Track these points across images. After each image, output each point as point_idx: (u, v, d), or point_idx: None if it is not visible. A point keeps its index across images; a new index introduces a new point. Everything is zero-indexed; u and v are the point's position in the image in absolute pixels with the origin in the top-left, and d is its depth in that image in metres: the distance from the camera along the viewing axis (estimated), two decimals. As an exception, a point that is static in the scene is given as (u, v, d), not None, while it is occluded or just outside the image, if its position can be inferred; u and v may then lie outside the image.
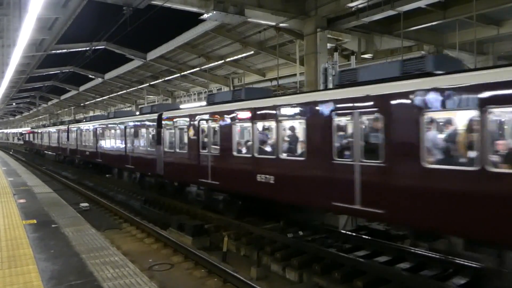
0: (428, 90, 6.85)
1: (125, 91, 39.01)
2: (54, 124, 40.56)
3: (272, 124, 10.43)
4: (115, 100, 47.51)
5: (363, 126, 8.11)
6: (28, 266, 5.94)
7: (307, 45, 14.83)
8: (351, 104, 8.19)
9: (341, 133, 8.70)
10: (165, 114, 15.53)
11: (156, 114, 16.26)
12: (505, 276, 6.72)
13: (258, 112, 10.64)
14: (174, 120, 14.77)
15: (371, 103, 7.84)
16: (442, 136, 7.21)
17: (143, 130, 17.71)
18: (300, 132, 9.81)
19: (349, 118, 8.39)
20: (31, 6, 8.90)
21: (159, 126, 15.75)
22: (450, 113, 7.06)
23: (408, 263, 8.52)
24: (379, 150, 7.59)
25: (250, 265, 8.89)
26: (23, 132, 73.29)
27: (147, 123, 17.21)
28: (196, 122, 13.14)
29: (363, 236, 10.13)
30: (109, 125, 22.23)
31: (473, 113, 6.33)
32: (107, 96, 43.99)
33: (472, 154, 6.44)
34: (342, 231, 10.68)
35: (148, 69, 30.14)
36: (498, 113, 6.26)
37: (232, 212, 12.23)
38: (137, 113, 23.06)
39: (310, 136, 9.12)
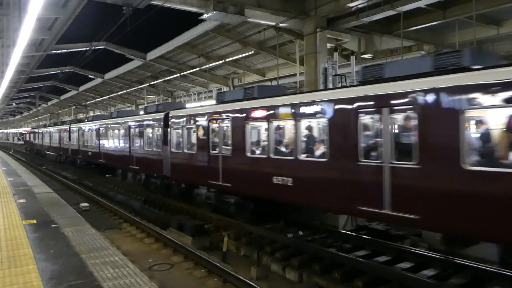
0: (469, 86, 6.32)
1: (125, 91, 39.02)
2: (55, 124, 40.16)
3: (290, 123, 9.79)
4: (115, 100, 47.53)
5: (394, 125, 7.58)
6: (28, 266, 5.93)
7: (307, 45, 14.84)
8: (379, 102, 7.61)
9: (368, 132, 8.15)
10: (172, 113, 14.97)
11: (163, 114, 15.75)
12: None
13: (275, 111, 10.04)
14: (182, 119, 14.18)
15: (404, 100, 7.24)
16: (485, 135, 6.73)
17: (149, 130, 17.18)
18: (322, 132, 9.37)
19: (377, 117, 7.78)
20: (31, 6, 8.89)
21: (166, 125, 15.22)
22: (495, 110, 6.51)
23: (408, 263, 8.51)
24: (412, 150, 7.04)
25: (250, 265, 8.89)
26: (24, 132, 73.17)
27: (153, 122, 16.67)
28: (205, 122, 12.59)
29: (363, 236, 10.13)
30: (113, 125, 21.71)
31: None
32: (107, 96, 44.01)
33: None
34: (342, 231, 10.67)
35: (148, 69, 30.16)
36: None
37: (244, 215, 11.71)
38: (141, 112, 22.61)
39: (333, 135, 8.51)
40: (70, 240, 7.38)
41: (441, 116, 6.73)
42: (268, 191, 10.19)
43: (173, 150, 14.72)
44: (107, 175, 24.76)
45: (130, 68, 30.13)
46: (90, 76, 36.76)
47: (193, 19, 16.94)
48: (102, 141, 23.27)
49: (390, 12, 12.80)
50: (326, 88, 11.58)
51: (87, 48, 22.31)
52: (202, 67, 25.22)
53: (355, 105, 8.01)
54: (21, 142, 77.45)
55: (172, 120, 14.84)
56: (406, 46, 17.01)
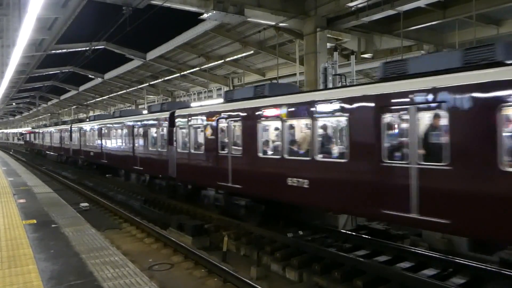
0: (507, 82, 5.93)
1: (124, 91, 39.02)
2: (56, 124, 39.85)
3: (306, 122, 9.37)
4: (114, 100, 47.54)
5: (422, 124, 7.13)
6: (28, 266, 5.93)
7: (307, 45, 14.84)
8: (404, 99, 7.17)
9: (392, 131, 7.76)
10: (178, 112, 14.46)
11: (168, 113, 15.29)
12: None
13: (289, 109, 9.58)
14: (189, 118, 13.65)
15: (432, 97, 6.78)
16: None
17: (153, 130, 16.74)
18: (341, 131, 8.98)
19: (402, 115, 7.38)
20: (30, 6, 8.88)
21: (171, 125, 14.76)
22: None
23: (408, 262, 8.51)
24: (442, 151, 6.63)
25: (250, 265, 8.89)
26: (24, 132, 73.09)
27: (158, 122, 16.19)
28: (214, 121, 12.08)
29: (363, 236, 10.13)
30: (115, 125, 21.19)
31: None
32: (107, 96, 44.00)
33: None
34: (342, 230, 10.67)
35: (147, 69, 30.16)
36: None
37: (255, 218, 11.24)
38: (144, 111, 22.10)
39: (354, 135, 8.05)
40: (70, 240, 7.38)
41: (474, 114, 6.32)
42: (282, 193, 9.72)
43: (179, 150, 14.25)
44: (107, 175, 24.72)
45: (130, 68, 30.12)
46: (90, 76, 36.75)
47: (193, 19, 16.96)
48: (105, 141, 22.78)
49: (390, 12, 12.81)
50: (346, 85, 10.90)
51: (87, 48, 22.30)
52: (202, 67, 25.22)
53: (378, 102, 7.57)
54: (21, 142, 77.42)
55: (178, 119, 14.33)
56: (406, 46, 17.01)
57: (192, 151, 13.45)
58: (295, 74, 18.77)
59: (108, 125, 22.50)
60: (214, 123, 12.10)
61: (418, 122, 7.07)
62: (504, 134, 6.03)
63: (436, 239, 9.85)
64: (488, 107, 6.14)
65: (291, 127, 9.99)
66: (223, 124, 11.80)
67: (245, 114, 10.93)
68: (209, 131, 12.38)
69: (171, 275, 8.59)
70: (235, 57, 22.54)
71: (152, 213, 14.42)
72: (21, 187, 14.55)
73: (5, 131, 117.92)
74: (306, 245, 9.55)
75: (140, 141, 17.84)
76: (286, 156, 9.64)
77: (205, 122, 12.62)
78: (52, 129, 38.13)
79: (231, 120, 11.43)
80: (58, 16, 16.22)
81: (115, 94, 41.80)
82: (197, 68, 25.57)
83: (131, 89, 37.07)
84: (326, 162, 8.83)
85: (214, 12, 13.06)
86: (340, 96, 8.40)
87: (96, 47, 22.01)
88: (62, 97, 54.12)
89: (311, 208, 10.48)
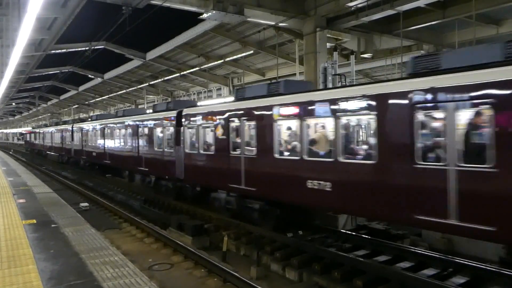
0: None
1: (124, 91, 39.00)
2: (57, 124, 39.44)
3: (328, 121, 8.76)
4: (114, 100, 47.52)
5: (461, 122, 6.58)
6: (28, 266, 5.93)
7: (307, 45, 14.83)
8: (441, 96, 6.67)
9: (427, 131, 7.19)
10: (186, 111, 13.86)
11: (175, 112, 14.71)
12: None
13: (309, 107, 9.00)
14: (197, 117, 13.08)
15: (474, 93, 6.28)
16: None
17: (159, 129, 16.14)
18: (368, 130, 8.49)
19: (439, 113, 6.86)
20: (30, 6, 8.88)
21: (179, 124, 14.20)
22: None
23: (407, 262, 8.52)
24: (486, 152, 6.16)
25: (250, 265, 8.89)
26: (24, 132, 73.01)
27: (164, 121, 15.59)
28: (225, 120, 11.53)
29: (363, 236, 10.13)
30: (119, 124, 20.59)
31: None
32: (107, 96, 43.99)
33: None
34: (342, 230, 10.67)
35: (147, 69, 30.15)
36: None
37: (269, 222, 10.73)
38: (148, 111, 21.54)
39: (383, 134, 7.49)
40: (70, 240, 7.38)
41: None
42: (301, 197, 9.15)
43: (187, 150, 13.70)
44: (107, 175, 24.71)
45: (130, 68, 30.09)
46: (89, 76, 36.69)
47: (193, 19, 16.94)
48: (108, 141, 22.27)
49: (390, 12, 12.80)
50: (374, 82, 10.34)
51: (87, 48, 22.29)
52: (202, 67, 25.21)
53: (410, 99, 7.02)
54: (21, 142, 77.33)
55: (186, 118, 13.76)
56: (406, 46, 17.01)
57: (202, 151, 12.91)
58: (295, 74, 18.77)
59: (111, 124, 21.94)
60: (225, 122, 11.57)
61: (457, 121, 6.53)
62: None
63: (436, 239, 9.88)
64: None
65: (312, 126, 9.43)
66: (235, 123, 11.27)
67: (259, 112, 10.35)
68: (220, 131, 11.81)
69: (171, 275, 8.59)
70: (235, 57, 22.53)
71: (152, 213, 14.41)
72: (21, 187, 14.55)
73: (5, 131, 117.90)
74: (306, 245, 9.54)
75: (145, 141, 17.30)
76: (305, 157, 9.06)
77: (215, 122, 12.04)
78: (53, 129, 37.61)
79: (244, 119, 10.87)
80: (58, 16, 16.19)
81: (114, 94, 41.78)
82: (197, 68, 25.56)
83: (130, 89, 37.05)
84: (351, 164, 8.21)
85: (213, 12, 13.05)
86: (368, 93, 7.81)
87: (95, 47, 21.99)
88: (62, 97, 54.09)
89: (333, 212, 10.11)
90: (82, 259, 6.27)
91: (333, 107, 8.42)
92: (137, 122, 18.15)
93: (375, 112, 7.64)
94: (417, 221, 7.03)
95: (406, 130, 7.07)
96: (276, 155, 9.83)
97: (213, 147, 12.32)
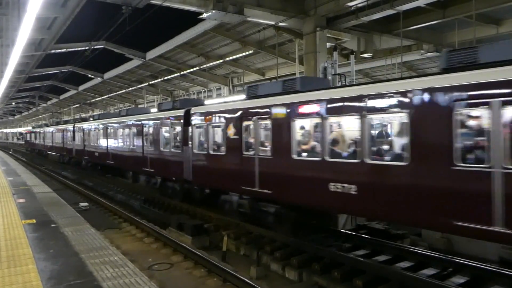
0: None
1: (124, 91, 38.99)
2: (58, 123, 39.01)
3: (353, 119, 8.12)
4: (114, 100, 47.52)
5: (508, 120, 6.05)
6: (28, 266, 5.93)
7: (307, 44, 14.83)
8: (484, 92, 6.17)
9: (467, 129, 6.66)
10: (195, 110, 13.26)
11: (183, 110, 14.13)
12: None
13: (332, 105, 8.41)
14: (207, 116, 12.45)
15: None
16: None
17: (166, 129, 15.59)
18: (400, 129, 8.00)
19: (482, 110, 6.33)
20: (30, 6, 8.88)
21: (187, 124, 13.64)
22: None
23: (407, 262, 8.52)
24: None
25: (250, 265, 8.89)
26: (24, 132, 72.90)
27: (171, 120, 15.00)
28: (237, 119, 10.94)
29: (363, 235, 10.13)
30: (123, 124, 19.96)
31: None
32: (107, 96, 43.98)
33: None
34: (342, 230, 10.67)
35: (147, 68, 30.16)
36: None
37: (285, 226, 10.17)
38: (152, 110, 21.13)
39: (417, 133, 6.94)
40: (69, 239, 7.37)
41: None
42: (322, 200, 8.60)
43: (195, 151, 13.08)
44: (107, 175, 24.69)
45: (130, 67, 30.09)
46: (89, 75, 36.69)
47: (193, 19, 16.93)
48: (111, 141, 21.67)
49: (390, 11, 12.80)
50: (405, 77, 9.58)
51: (87, 48, 22.29)
52: (202, 67, 25.21)
53: (450, 96, 6.50)
54: (21, 141, 77.26)
55: (194, 117, 13.13)
56: (406, 46, 17.01)
57: (211, 152, 12.28)
58: (294, 74, 18.77)
59: (114, 124, 21.34)
60: (238, 121, 10.95)
61: (503, 119, 6.00)
62: None
63: (435, 238, 9.88)
64: None
65: (335, 125, 8.87)
66: (248, 122, 10.66)
67: (276, 111, 9.72)
68: (231, 130, 11.19)
69: (171, 275, 8.59)
70: (235, 56, 22.53)
71: (152, 213, 14.41)
72: (21, 186, 14.55)
73: (5, 130, 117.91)
74: (306, 245, 9.53)
75: (150, 141, 16.70)
76: (327, 158, 8.43)
77: (227, 121, 11.42)
78: (54, 128, 37.04)
79: (259, 118, 10.27)
80: (58, 16, 16.19)
81: (114, 93, 41.77)
82: (197, 68, 25.56)
83: (130, 88, 37.05)
84: (379, 166, 7.64)
85: (213, 11, 13.04)
86: (399, 89, 7.25)
87: (95, 47, 22.00)
88: (62, 96, 54.10)
89: (358, 216, 9.78)
90: (82, 258, 6.27)
91: (359, 104, 7.81)
92: (142, 122, 17.58)
93: (407, 110, 7.07)
94: (456, 228, 6.49)
95: (444, 129, 6.53)
96: (294, 156, 9.21)
97: (224, 147, 11.69)
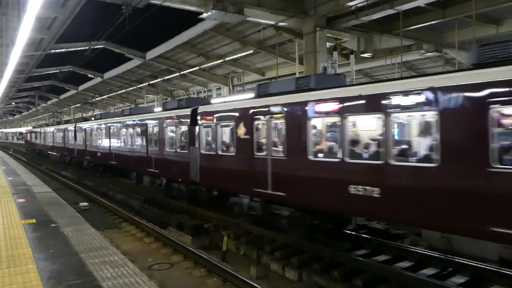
0: None
1: (124, 91, 38.99)
2: (59, 123, 38.70)
3: (377, 118, 7.79)
4: (114, 99, 47.52)
5: None
6: (27, 265, 5.92)
7: (306, 44, 14.83)
8: None
9: (506, 128, 6.29)
10: (202, 109, 12.80)
11: (189, 109, 13.65)
12: None
13: (353, 103, 7.97)
14: (216, 115, 12.03)
15: None
16: None
17: (171, 128, 15.15)
18: (428, 128, 7.54)
19: None
20: (30, 6, 8.87)
21: (193, 123, 13.21)
22: None
23: (407, 262, 8.53)
24: None
25: (250, 264, 8.89)
26: (24, 131, 72.81)
27: (177, 120, 14.54)
28: (248, 118, 10.50)
29: (363, 235, 10.13)
30: (127, 123, 19.49)
31: None
32: (106, 96, 43.99)
33: None
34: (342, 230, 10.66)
35: (147, 68, 30.17)
36: None
37: (299, 230, 9.73)
38: (155, 109, 20.80)
39: (447, 133, 6.50)
40: (69, 239, 7.37)
41: None
42: (341, 203, 8.21)
43: (203, 151, 12.64)
44: (106, 175, 24.66)
45: (130, 67, 30.09)
46: (89, 75, 36.68)
47: (193, 18, 16.93)
48: (114, 141, 21.21)
49: (390, 11, 12.81)
50: (431, 74, 8.59)
51: (86, 48, 22.28)
52: (202, 66, 25.21)
53: (485, 92, 6.07)
54: (21, 141, 77.20)
55: (202, 116, 12.67)
56: (406, 45, 17.01)
57: (220, 152, 11.81)
58: (294, 74, 18.76)
59: (117, 123, 20.84)
60: (248, 121, 10.50)
61: None
62: None
63: (435, 238, 9.88)
64: None
65: (355, 124, 8.50)
66: (260, 121, 10.30)
67: (290, 109, 9.28)
68: (242, 130, 10.73)
69: (171, 275, 8.59)
70: (235, 56, 22.54)
71: (152, 213, 14.41)
72: (21, 186, 14.54)
73: (4, 130, 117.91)
74: (306, 245, 9.53)
75: (155, 141, 16.28)
76: (347, 159, 7.99)
77: (237, 120, 10.96)
78: (54, 128, 36.62)
79: (271, 117, 9.86)
80: (58, 16, 16.19)
81: (114, 93, 41.77)
82: (197, 68, 25.56)
83: (130, 88, 37.04)
84: (406, 167, 7.21)
85: (213, 11, 13.05)
86: (428, 85, 6.82)
87: (95, 47, 21.98)
88: (62, 96, 54.11)
89: (382, 220, 9.46)
90: (82, 258, 6.26)
91: (383, 102, 7.38)
92: (147, 121, 17.15)
93: (437, 108, 6.61)
94: (494, 234, 6.09)
95: (479, 128, 6.14)
96: (311, 157, 8.75)
97: (233, 148, 11.27)
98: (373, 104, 7.63)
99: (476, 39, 14.46)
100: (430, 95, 6.72)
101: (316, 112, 8.69)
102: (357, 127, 8.59)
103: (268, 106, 10.00)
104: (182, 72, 27.19)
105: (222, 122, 11.81)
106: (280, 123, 9.70)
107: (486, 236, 6.50)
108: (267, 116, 9.94)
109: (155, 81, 32.54)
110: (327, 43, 14.86)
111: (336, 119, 8.35)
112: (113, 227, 12.92)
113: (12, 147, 72.87)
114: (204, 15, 13.47)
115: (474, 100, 6.24)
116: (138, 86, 35.32)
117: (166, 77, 30.22)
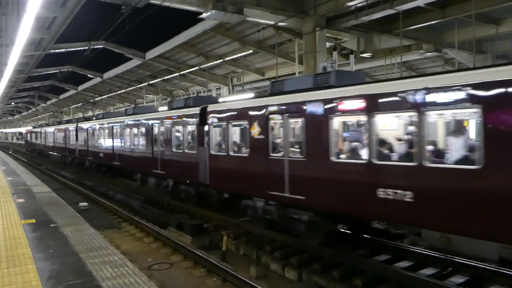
0: None
1: (124, 91, 38.97)
2: (60, 123, 38.45)
3: (409, 116, 7.30)
4: (114, 99, 47.50)
5: None
6: (27, 265, 5.92)
7: (306, 44, 14.83)
8: None
9: None
10: (212, 108, 12.24)
11: (198, 108, 13.16)
12: None
13: (382, 100, 7.42)
14: (227, 114, 11.48)
15: None
16: None
17: (178, 128, 14.62)
18: (469, 127, 7.11)
19: None
20: (29, 5, 8.86)
21: (202, 122, 12.74)
22: None
23: (407, 261, 8.52)
24: None
25: (250, 264, 8.89)
26: (24, 131, 72.73)
27: (185, 119, 13.97)
28: (263, 117, 9.94)
29: (363, 235, 10.12)
30: (131, 123, 19.02)
31: None
32: (106, 96, 43.98)
33: None
34: (342, 230, 10.66)
35: (147, 68, 30.16)
36: None
37: (318, 235, 9.15)
38: (160, 108, 20.37)
39: (494, 133, 5.93)
40: (69, 239, 7.37)
41: None
42: (368, 208, 7.65)
43: (213, 152, 12.05)
44: (106, 175, 24.65)
45: (129, 67, 30.08)
46: (89, 75, 36.67)
47: (192, 18, 16.94)
48: (117, 141, 20.72)
49: (390, 11, 12.80)
50: (471, 68, 8.32)
51: (86, 48, 22.29)
52: (201, 66, 25.19)
53: None
54: (21, 141, 77.15)
55: (211, 116, 12.09)
56: (406, 45, 17.01)
57: (232, 153, 11.25)
58: (294, 74, 18.76)
59: (121, 123, 20.36)
60: (263, 120, 9.95)
61: None
62: None
63: (435, 238, 9.88)
64: None
65: (385, 123, 7.98)
66: (276, 120, 9.79)
67: (310, 108, 8.72)
68: (256, 129, 10.18)
69: (170, 275, 8.59)
70: (234, 56, 22.52)
71: (152, 213, 14.40)
72: (20, 186, 14.54)
73: (4, 130, 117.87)
74: (306, 244, 9.53)
75: (161, 141, 15.68)
76: (375, 161, 7.45)
77: (250, 119, 10.42)
78: (55, 128, 36.22)
79: (289, 116, 9.33)
80: (57, 15, 16.17)
81: (114, 93, 41.76)
82: (196, 68, 25.54)
83: (130, 88, 37.01)
84: (443, 170, 6.63)
85: (213, 11, 13.04)
86: (469, 81, 6.20)
87: (95, 47, 21.99)
88: (61, 96, 54.09)
89: (415, 226, 8.94)
90: (81, 258, 6.26)
91: (416, 99, 6.82)
92: (152, 121, 16.54)
93: (479, 105, 6.04)
94: None
95: None
96: (333, 158, 8.19)
97: (246, 148, 10.79)
98: (404, 102, 7.03)
99: (476, 39, 14.48)
100: (472, 92, 6.14)
101: (339, 110, 8.11)
102: (388, 127, 8.14)
103: (285, 104, 9.45)
104: (181, 72, 27.17)
105: (233, 121, 11.28)
106: (299, 122, 9.20)
107: None
108: (284, 115, 9.42)
109: (154, 81, 32.52)
110: (327, 43, 14.86)
111: (361, 117, 7.90)
112: (113, 227, 12.92)
113: (12, 147, 72.85)
114: (204, 15, 13.46)
115: None
116: (138, 86, 35.30)
117: (165, 77, 30.21)
